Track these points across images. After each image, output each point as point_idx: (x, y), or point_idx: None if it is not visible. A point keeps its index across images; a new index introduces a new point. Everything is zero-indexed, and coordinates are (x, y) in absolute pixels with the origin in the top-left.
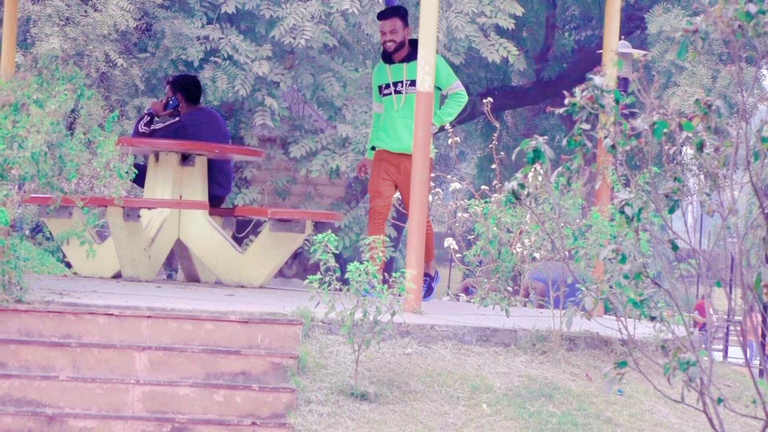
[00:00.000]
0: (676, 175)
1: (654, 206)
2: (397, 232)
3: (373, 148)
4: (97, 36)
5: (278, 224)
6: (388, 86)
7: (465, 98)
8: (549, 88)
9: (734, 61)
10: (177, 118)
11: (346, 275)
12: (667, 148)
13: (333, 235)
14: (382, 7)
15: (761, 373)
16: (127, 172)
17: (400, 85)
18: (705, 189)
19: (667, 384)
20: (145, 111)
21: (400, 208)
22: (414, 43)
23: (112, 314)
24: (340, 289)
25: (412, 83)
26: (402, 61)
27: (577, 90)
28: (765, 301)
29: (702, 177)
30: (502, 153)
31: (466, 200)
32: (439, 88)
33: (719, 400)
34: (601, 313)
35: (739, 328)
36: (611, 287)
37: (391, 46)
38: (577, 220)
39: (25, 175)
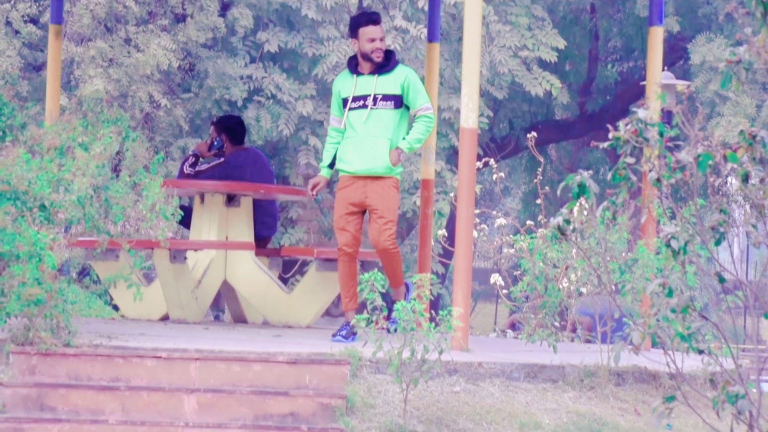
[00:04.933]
0: (722, 206)
1: (700, 239)
2: (444, 269)
3: (330, 166)
4: (140, 77)
5: (324, 264)
6: (356, 99)
7: (434, 121)
8: (593, 120)
9: None
10: (222, 159)
11: (393, 314)
12: (712, 179)
13: (379, 273)
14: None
15: None
16: (173, 214)
17: (368, 99)
18: (751, 220)
19: (717, 417)
20: (190, 152)
21: (446, 245)
22: (386, 54)
23: (160, 357)
24: (387, 328)
25: (384, 98)
26: (372, 72)
27: (621, 124)
28: None
29: (748, 208)
30: (546, 187)
31: (511, 236)
32: (407, 107)
33: None
34: (648, 347)
35: None
36: (658, 321)
37: (380, 56)
38: (623, 254)
39: (72, 218)
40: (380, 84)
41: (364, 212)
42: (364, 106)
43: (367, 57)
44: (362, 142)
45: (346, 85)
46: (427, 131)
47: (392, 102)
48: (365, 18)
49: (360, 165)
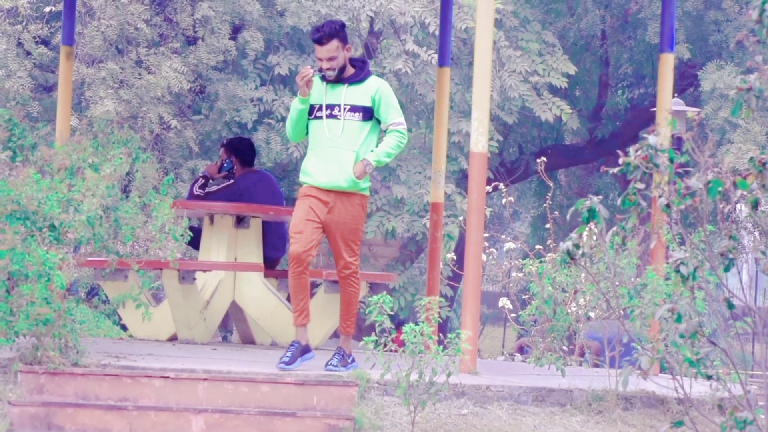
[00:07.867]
0: (731, 233)
1: (709, 265)
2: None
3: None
4: (150, 98)
5: (333, 285)
6: (321, 108)
7: (405, 137)
8: (602, 146)
9: None
10: (231, 181)
11: (402, 336)
12: (721, 206)
13: (388, 296)
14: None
15: None
16: (182, 235)
17: (336, 108)
18: (760, 247)
19: None
20: (200, 173)
21: (455, 268)
22: (357, 63)
23: (168, 377)
24: (396, 350)
25: (352, 109)
26: (342, 81)
27: (631, 149)
28: None
29: (757, 235)
30: (556, 212)
31: (520, 260)
32: (379, 121)
33: None
34: (657, 372)
35: None
36: (667, 346)
37: (331, 75)
38: (632, 279)
39: (81, 238)
40: (348, 94)
41: (324, 227)
42: (331, 116)
43: None
44: (326, 153)
45: (315, 91)
46: (399, 146)
47: (360, 113)
48: (312, 36)
49: (323, 178)
